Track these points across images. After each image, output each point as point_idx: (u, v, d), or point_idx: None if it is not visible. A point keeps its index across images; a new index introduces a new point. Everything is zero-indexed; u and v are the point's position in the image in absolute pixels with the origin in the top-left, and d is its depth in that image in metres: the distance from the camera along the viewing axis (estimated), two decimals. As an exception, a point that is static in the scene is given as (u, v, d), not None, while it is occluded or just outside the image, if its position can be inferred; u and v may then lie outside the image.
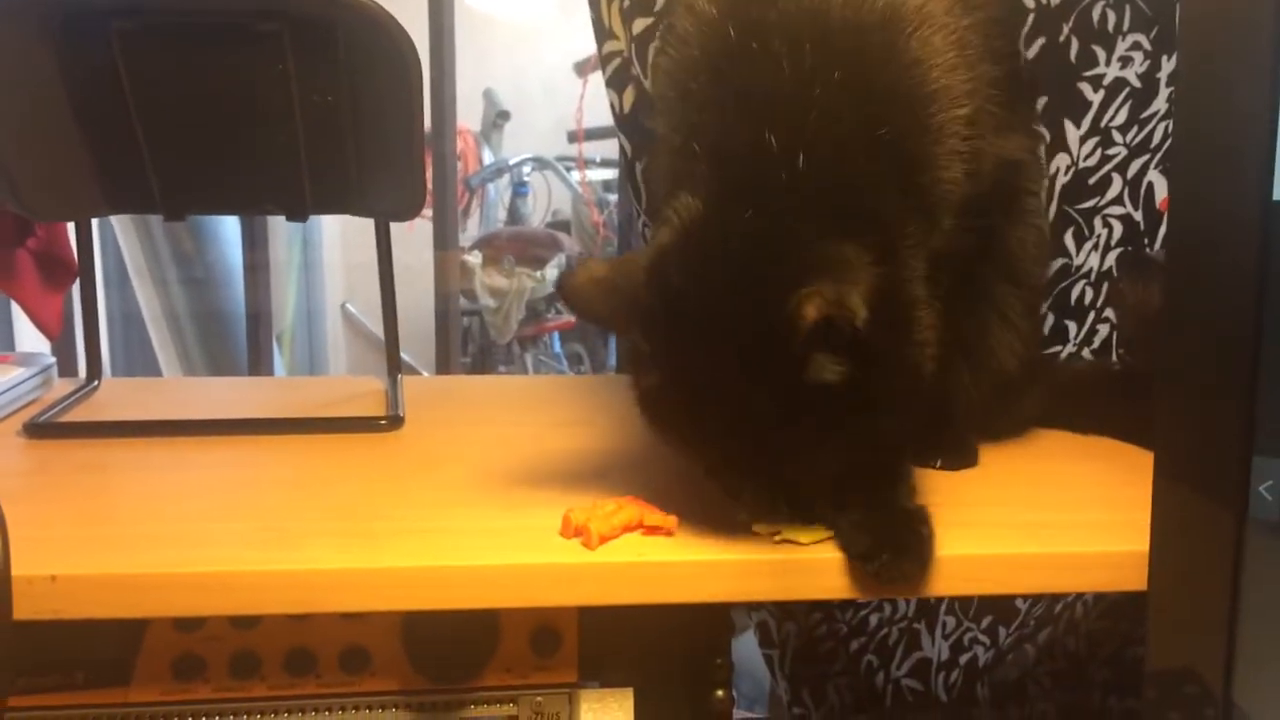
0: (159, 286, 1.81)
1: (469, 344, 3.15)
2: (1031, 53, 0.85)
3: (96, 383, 0.84)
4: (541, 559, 0.54)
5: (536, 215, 3.34)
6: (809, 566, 0.54)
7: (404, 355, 3.10)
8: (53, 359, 0.84)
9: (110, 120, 0.72)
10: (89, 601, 0.52)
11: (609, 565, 0.54)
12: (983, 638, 1.02)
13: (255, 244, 1.26)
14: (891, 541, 0.54)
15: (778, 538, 0.56)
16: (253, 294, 1.28)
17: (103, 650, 0.58)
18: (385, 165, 0.74)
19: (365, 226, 0.81)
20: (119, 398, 0.84)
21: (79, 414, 0.78)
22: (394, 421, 0.76)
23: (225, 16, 0.69)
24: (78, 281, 0.82)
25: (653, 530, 0.56)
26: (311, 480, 0.66)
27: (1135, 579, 0.52)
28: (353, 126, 0.72)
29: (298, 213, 0.77)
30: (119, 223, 1.71)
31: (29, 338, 1.23)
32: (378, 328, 0.83)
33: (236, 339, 1.71)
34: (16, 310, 1.24)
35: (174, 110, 0.72)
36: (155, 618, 0.57)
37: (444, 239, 1.36)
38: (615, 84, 0.91)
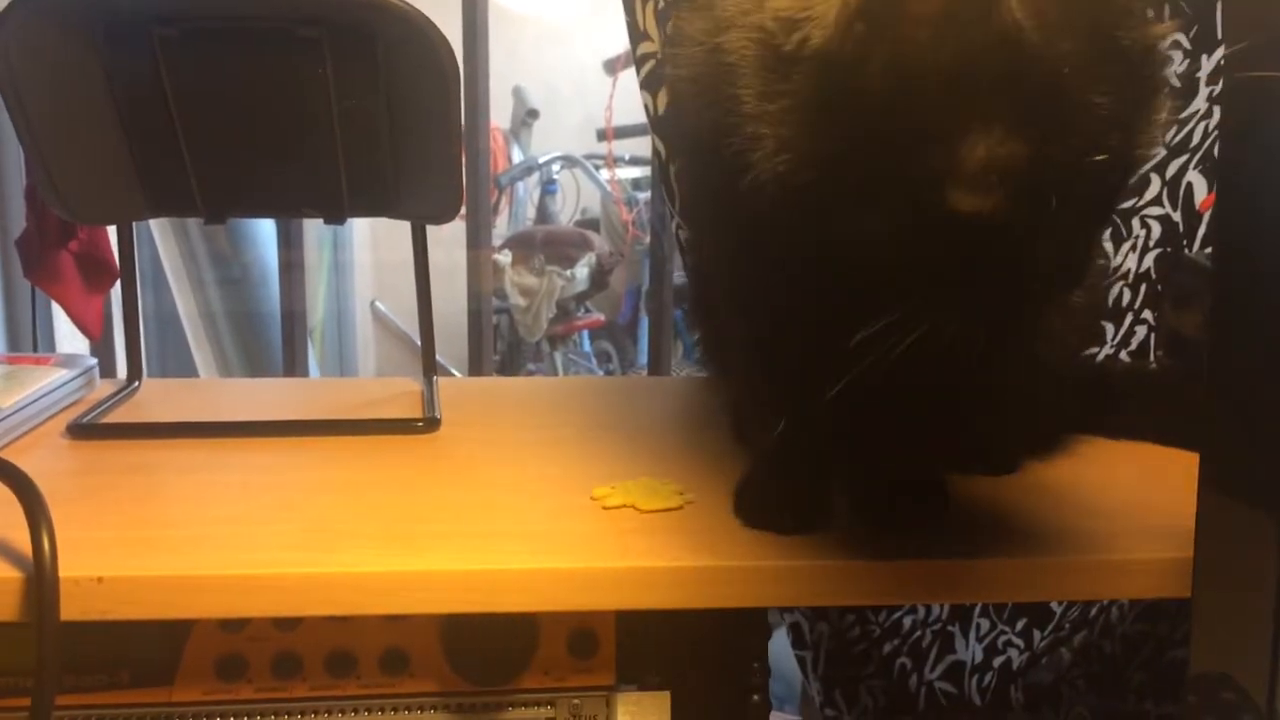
0: (195, 287, 1.83)
1: (499, 342, 3.17)
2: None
3: (137, 384, 0.85)
4: (580, 564, 0.54)
5: (565, 214, 3.35)
6: (844, 572, 0.54)
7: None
8: (94, 360, 0.85)
9: (152, 125, 0.73)
10: (135, 602, 0.52)
11: (647, 569, 0.54)
12: (1017, 640, 1.01)
13: (290, 244, 1.28)
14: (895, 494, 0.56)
15: (618, 504, 0.59)
16: (287, 293, 1.29)
17: (148, 650, 0.59)
18: (423, 169, 0.74)
19: (394, 225, 0.81)
20: (160, 398, 0.85)
21: (121, 415, 0.79)
22: (431, 423, 0.77)
23: (266, 22, 0.69)
24: (118, 283, 0.84)
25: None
26: (351, 482, 0.67)
27: (1179, 585, 0.51)
28: (391, 131, 0.72)
29: (335, 216, 0.78)
30: (156, 224, 1.73)
31: (67, 339, 1.25)
32: (407, 326, 0.84)
33: (272, 338, 1.73)
34: (56, 311, 1.26)
35: (215, 115, 0.73)
36: (200, 619, 0.57)
37: (477, 238, 1.37)
38: (650, 85, 0.91)
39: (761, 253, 0.54)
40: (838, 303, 0.50)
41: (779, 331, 0.57)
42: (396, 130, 0.72)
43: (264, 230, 1.81)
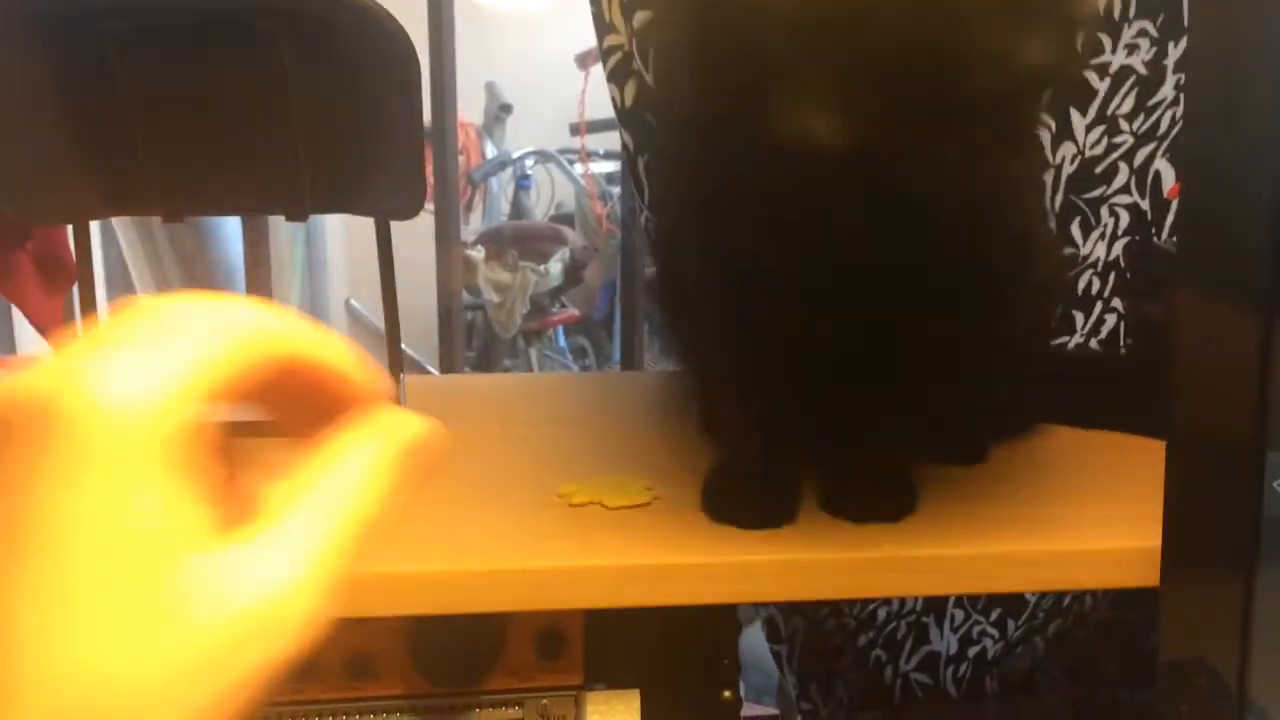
0: (161, 286, 1.80)
1: (474, 338, 3.15)
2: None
3: (98, 386, 0.83)
4: (547, 563, 0.53)
5: (540, 208, 3.34)
6: (812, 567, 0.54)
7: (409, 351, 3.09)
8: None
9: (105, 122, 0.72)
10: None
11: (615, 567, 0.53)
12: (991, 630, 1.01)
13: (256, 241, 1.25)
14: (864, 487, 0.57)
15: (584, 501, 0.59)
16: (254, 292, 1.27)
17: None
18: (385, 163, 0.73)
19: (369, 222, 0.80)
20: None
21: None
22: (397, 422, 0.75)
23: (219, 15, 0.68)
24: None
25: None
26: (314, 483, 0.66)
27: (1147, 575, 0.51)
28: (351, 125, 0.71)
29: (297, 213, 0.77)
30: (119, 222, 1.70)
31: (31, 341, 1.23)
32: (382, 323, 0.82)
33: (239, 340, 1.70)
34: (17, 313, 1.24)
35: (169, 110, 0.72)
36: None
37: (446, 234, 1.35)
38: (616, 78, 0.90)
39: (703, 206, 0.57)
40: (775, 260, 0.53)
41: (732, 300, 0.58)
42: (357, 125, 0.71)
43: (230, 227, 1.78)
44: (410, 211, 0.75)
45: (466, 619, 0.56)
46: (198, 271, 1.74)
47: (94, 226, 0.81)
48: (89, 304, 0.81)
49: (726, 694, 0.60)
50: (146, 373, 0.25)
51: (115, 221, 1.66)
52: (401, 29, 0.65)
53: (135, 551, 0.24)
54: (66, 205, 0.77)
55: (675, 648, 0.60)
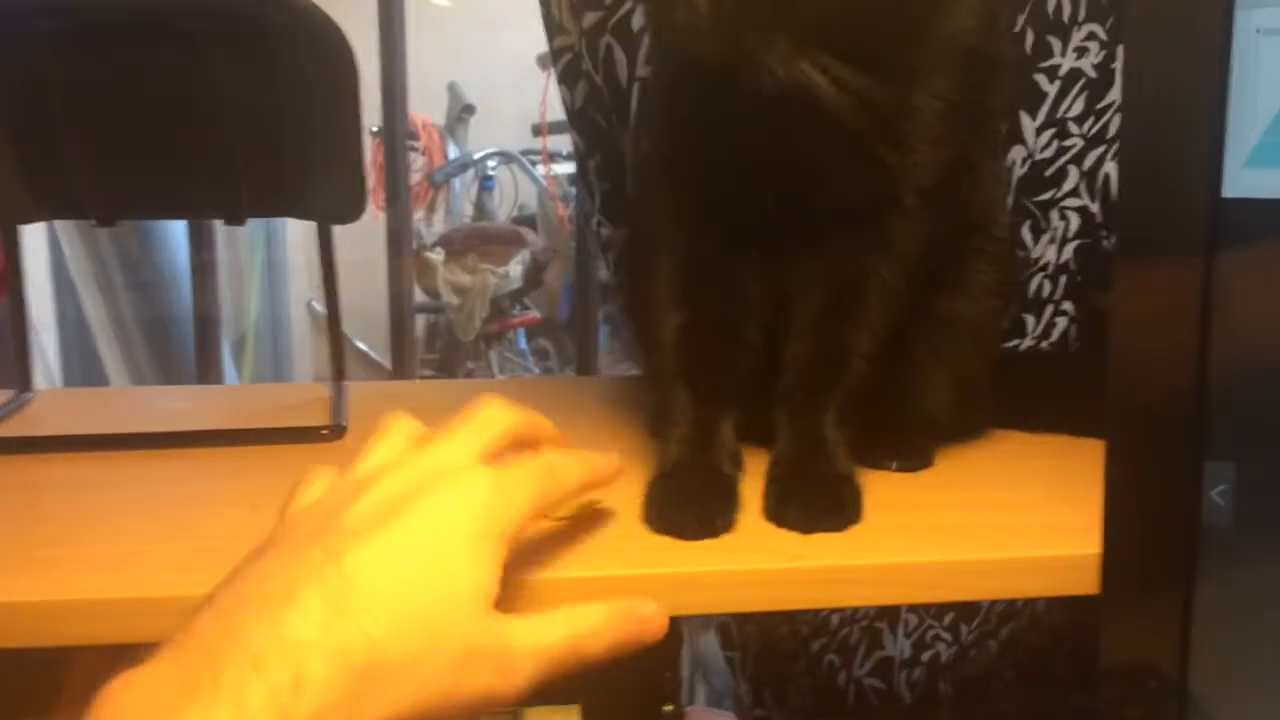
0: (105, 291, 1.76)
1: (437, 341, 3.13)
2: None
3: (29, 395, 0.81)
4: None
5: (503, 210, 3.32)
6: (755, 578, 0.53)
7: (372, 353, 3.06)
8: (-17, 372, 0.81)
9: (35, 123, 0.70)
10: (13, 631, 0.49)
11: (554, 580, 0.52)
12: (945, 635, 1.01)
13: (202, 245, 1.23)
14: (807, 496, 0.57)
15: None
16: (200, 297, 1.25)
17: (27, 678, 0.55)
18: (324, 166, 0.72)
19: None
20: (55, 410, 0.81)
21: (9, 429, 0.75)
22: (336, 431, 0.74)
23: (151, 15, 0.66)
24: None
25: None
26: (248, 495, 0.64)
27: (1090, 583, 0.51)
28: (289, 127, 0.70)
29: (235, 216, 0.75)
30: (61, 224, 1.67)
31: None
32: (346, 326, 0.81)
33: (187, 344, 1.68)
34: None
35: (102, 112, 0.70)
36: (79, 646, 0.54)
37: (398, 237, 1.34)
38: (567, 79, 0.89)
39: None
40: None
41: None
42: (294, 125, 0.69)
43: (176, 230, 1.75)
44: (352, 215, 0.73)
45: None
46: (143, 276, 1.71)
47: (39, 230, 0.79)
48: (19, 310, 0.78)
49: (668, 707, 0.59)
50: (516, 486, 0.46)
51: (58, 225, 1.63)
52: (337, 28, 0.64)
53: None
54: (-4, 209, 0.75)
55: (616, 661, 0.59)
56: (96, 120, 0.71)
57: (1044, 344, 0.91)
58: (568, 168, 3.06)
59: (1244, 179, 0.41)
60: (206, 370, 1.30)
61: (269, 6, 0.64)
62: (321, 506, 0.46)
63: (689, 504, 0.56)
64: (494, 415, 0.50)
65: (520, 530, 0.46)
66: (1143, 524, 0.47)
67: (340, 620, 0.39)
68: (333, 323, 0.81)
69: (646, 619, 0.47)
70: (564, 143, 3.01)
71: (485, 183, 3.25)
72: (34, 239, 1.40)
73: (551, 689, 0.58)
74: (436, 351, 3.11)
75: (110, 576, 0.51)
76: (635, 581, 0.52)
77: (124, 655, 0.55)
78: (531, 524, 0.47)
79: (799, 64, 0.51)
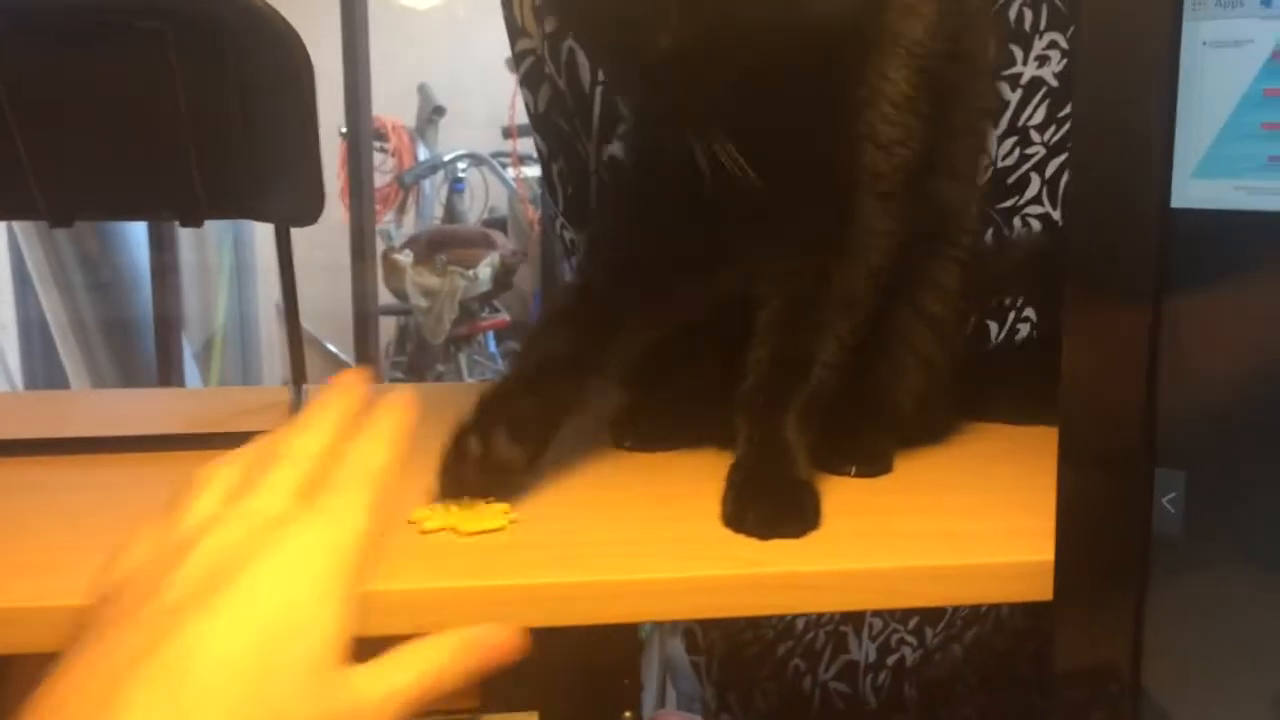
0: (63, 292, 1.73)
1: (406, 343, 3.11)
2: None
3: (-19, 398, 0.80)
4: (439, 583, 0.52)
5: (473, 212, 3.31)
6: (716, 585, 0.53)
7: (339, 353, 3.03)
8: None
9: (-13, 123, 0.68)
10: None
11: (510, 588, 0.52)
12: (910, 638, 1.01)
13: (163, 245, 1.21)
14: (765, 502, 0.57)
15: (437, 527, 0.55)
16: (161, 298, 1.24)
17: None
18: (280, 168, 0.71)
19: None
20: (10, 413, 0.80)
21: (-41, 432, 0.74)
22: (293, 436, 0.73)
23: (104, 14, 0.65)
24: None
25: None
26: (203, 500, 0.63)
27: (1043, 589, 0.51)
28: (244, 128, 0.69)
29: (192, 218, 0.74)
30: (20, 225, 1.64)
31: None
32: (315, 328, 0.80)
33: (148, 346, 1.65)
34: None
35: (54, 113, 0.69)
36: (17, 655, 0.53)
37: (360, 239, 1.33)
38: (529, 83, 0.89)
39: None
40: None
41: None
42: (249, 126, 0.69)
43: (136, 231, 1.72)
44: (309, 218, 0.72)
45: (357, 641, 0.54)
46: (103, 277, 1.68)
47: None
48: (-30, 312, 0.77)
49: (628, 714, 0.59)
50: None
51: (17, 225, 1.60)
52: (293, 30, 0.63)
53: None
54: (-54, 209, 0.73)
55: (574, 668, 0.58)
56: (51, 120, 0.70)
57: (1006, 348, 0.91)
58: (538, 170, 3.05)
59: (1192, 190, 0.42)
60: (168, 373, 1.28)
61: (225, 8, 0.63)
62: (143, 575, 0.40)
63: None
64: (306, 442, 0.46)
65: (362, 558, 0.42)
66: (1095, 531, 0.47)
67: None
68: (291, 324, 0.80)
69: (497, 645, 0.44)
70: (533, 145, 3.01)
71: (455, 185, 3.24)
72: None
73: (510, 694, 0.58)
74: (406, 354, 3.09)
75: (61, 583, 0.50)
76: (595, 588, 0.52)
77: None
78: (374, 542, 0.43)
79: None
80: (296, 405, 0.78)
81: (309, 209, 0.72)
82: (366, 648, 0.55)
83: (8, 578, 0.51)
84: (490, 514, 0.57)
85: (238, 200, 0.73)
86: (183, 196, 0.71)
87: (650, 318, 0.65)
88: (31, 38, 0.66)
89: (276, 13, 0.62)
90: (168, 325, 1.22)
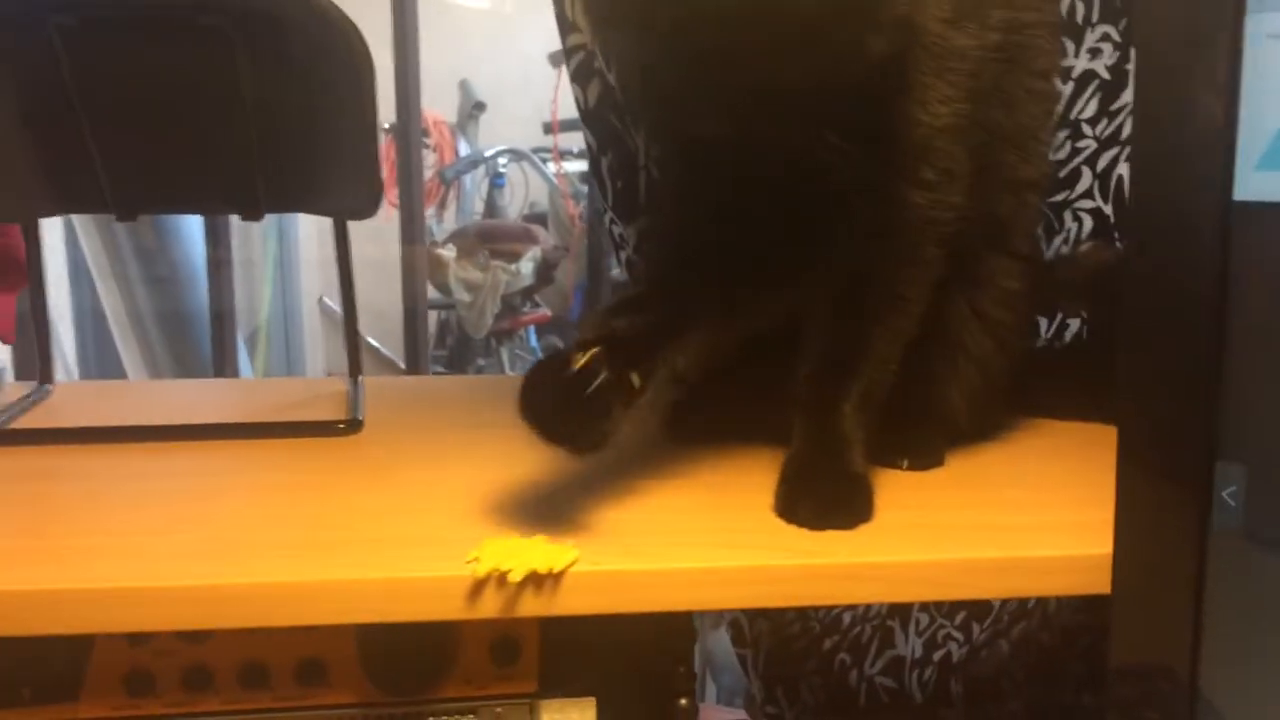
0: (121, 284, 1.77)
1: (447, 338, 3.13)
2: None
3: (49, 387, 0.82)
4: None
5: (514, 207, 3.33)
6: (769, 574, 0.53)
7: (383, 349, 3.07)
8: (3, 364, 0.82)
9: (55, 118, 0.70)
10: (31, 618, 0.50)
11: (569, 574, 0.53)
12: (956, 634, 1.01)
13: (219, 240, 1.24)
14: (818, 494, 0.58)
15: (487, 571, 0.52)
16: (216, 292, 1.26)
17: (51, 666, 0.56)
18: (339, 162, 0.72)
19: (338, 220, 0.79)
20: (73, 403, 0.82)
21: (30, 420, 0.76)
22: (353, 425, 0.75)
23: (168, 11, 0.67)
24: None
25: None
26: (264, 488, 0.65)
27: (1100, 583, 0.51)
28: (304, 123, 0.70)
29: (252, 212, 0.76)
30: (79, 219, 1.68)
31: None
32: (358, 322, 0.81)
33: (202, 338, 1.69)
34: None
35: (121, 108, 0.71)
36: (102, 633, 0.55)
37: (410, 233, 1.34)
38: (580, 78, 0.89)
39: None
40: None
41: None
42: (310, 123, 0.70)
43: (192, 226, 1.76)
44: (367, 211, 0.74)
45: (419, 626, 0.55)
46: (159, 271, 1.72)
47: (55, 223, 0.80)
48: (39, 304, 0.79)
49: (683, 701, 0.60)
50: None
51: (75, 219, 1.64)
52: (353, 25, 0.64)
53: None
54: (17, 202, 0.76)
55: (631, 655, 0.59)
56: (118, 116, 0.71)
57: (1056, 345, 0.91)
58: (578, 165, 3.06)
59: (1255, 182, 0.41)
60: (222, 364, 1.31)
61: (288, 5, 0.65)
62: None
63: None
64: None
65: None
66: (1154, 524, 0.47)
67: None
68: (349, 318, 0.81)
69: None
70: (575, 140, 3.01)
71: (496, 180, 3.26)
72: (50, 232, 1.41)
73: (567, 681, 0.59)
74: (446, 348, 3.12)
75: (129, 565, 0.52)
76: (650, 576, 0.53)
77: (143, 642, 0.56)
78: None
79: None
80: (354, 397, 0.80)
81: (367, 202, 0.73)
82: (409, 632, 0.56)
83: (83, 561, 0.53)
84: (555, 552, 0.53)
85: (297, 194, 0.74)
86: (244, 190, 0.73)
87: (711, 320, 0.64)
88: (100, 35, 0.68)
89: (339, 9, 0.63)
90: (222, 318, 1.25)
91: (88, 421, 0.74)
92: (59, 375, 0.84)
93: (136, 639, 0.57)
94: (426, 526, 0.58)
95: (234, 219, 1.35)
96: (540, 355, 3.02)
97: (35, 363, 0.82)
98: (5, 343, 0.89)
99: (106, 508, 0.61)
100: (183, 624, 0.53)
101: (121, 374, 2.03)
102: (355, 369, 0.83)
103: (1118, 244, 0.87)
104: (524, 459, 0.69)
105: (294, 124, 0.70)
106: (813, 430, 0.62)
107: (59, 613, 0.50)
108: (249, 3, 0.65)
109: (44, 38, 0.67)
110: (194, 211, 0.78)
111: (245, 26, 0.66)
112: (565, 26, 0.88)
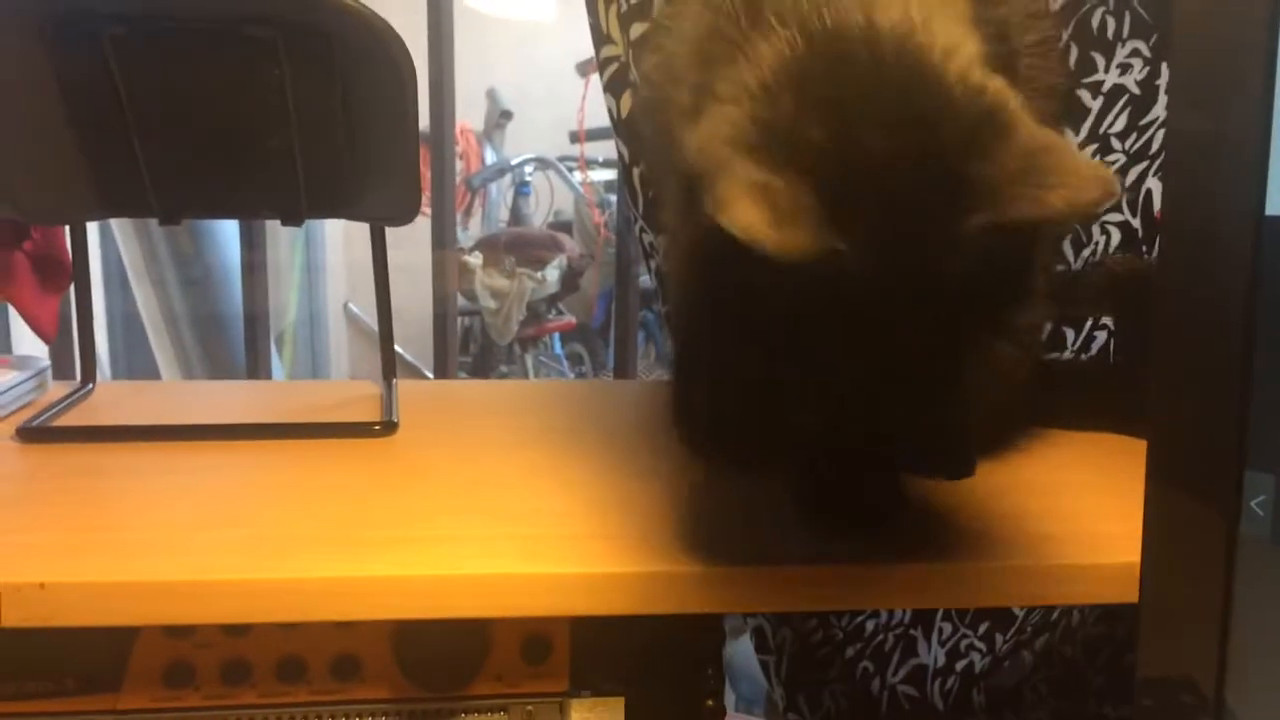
0: (157, 287, 1.80)
1: (471, 344, 3.15)
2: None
3: (91, 386, 0.84)
4: (532, 569, 0.54)
5: (539, 215, 3.34)
6: (796, 579, 0.54)
7: (406, 355, 3.09)
8: (47, 362, 0.84)
9: (105, 124, 0.72)
10: (77, 609, 0.51)
11: (601, 575, 0.54)
12: (979, 644, 1.01)
13: (253, 244, 1.26)
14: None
15: None
16: (250, 295, 1.28)
17: (93, 656, 0.58)
18: (380, 169, 0.74)
19: (367, 226, 0.81)
20: (113, 401, 0.84)
21: (73, 418, 0.78)
22: (388, 427, 0.76)
23: (217, 22, 0.68)
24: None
25: None
26: (303, 486, 0.66)
27: (1127, 591, 0.51)
28: (347, 131, 0.72)
29: (293, 217, 0.77)
30: (117, 222, 1.71)
31: (26, 342, 1.23)
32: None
33: (235, 341, 1.71)
34: (13, 313, 1.24)
35: (168, 115, 0.72)
36: (145, 625, 0.57)
37: (442, 239, 1.36)
38: (613, 89, 0.91)
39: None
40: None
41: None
42: (353, 130, 0.72)
43: (227, 230, 1.78)
44: (405, 217, 0.75)
45: (452, 624, 0.56)
46: (194, 274, 1.75)
47: (92, 227, 0.82)
48: (84, 305, 0.81)
49: (710, 703, 0.61)
50: None
51: (113, 222, 1.67)
52: (397, 36, 0.66)
53: None
54: (66, 206, 0.77)
55: (660, 656, 0.60)
56: (162, 122, 0.73)
57: (1083, 357, 0.91)
58: (604, 174, 3.08)
59: (1289, 196, 0.42)
60: (255, 367, 1.33)
61: (332, 14, 0.66)
62: None
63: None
64: None
65: None
66: (1182, 533, 0.47)
67: None
68: (383, 322, 0.83)
69: None
70: (601, 150, 3.03)
71: (521, 188, 3.28)
72: (88, 236, 1.43)
73: (597, 680, 0.60)
74: (470, 354, 3.14)
75: (173, 561, 0.53)
76: (679, 579, 0.54)
77: (183, 635, 0.58)
78: None
79: None
80: (388, 399, 0.81)
81: (406, 209, 0.75)
82: (442, 630, 0.57)
83: (125, 555, 0.54)
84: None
85: (338, 200, 0.76)
86: (286, 196, 0.75)
87: None
88: (150, 45, 0.70)
89: (383, 20, 0.65)
90: (255, 321, 1.27)
91: (129, 420, 0.76)
92: (93, 376, 0.86)
93: (178, 631, 0.58)
94: (462, 526, 0.59)
95: (269, 224, 1.37)
96: (565, 363, 3.04)
97: (70, 362, 0.84)
98: (47, 342, 0.91)
99: (151, 504, 0.63)
100: (224, 618, 0.54)
101: (149, 375, 2.06)
102: (390, 371, 0.84)
103: (1147, 257, 0.88)
104: (556, 462, 0.70)
105: (337, 131, 0.72)
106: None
107: (105, 604, 0.52)
108: (295, 14, 0.67)
109: (96, 47, 0.69)
110: (236, 216, 0.80)
111: (291, 37, 0.68)
112: (600, 38, 0.89)
